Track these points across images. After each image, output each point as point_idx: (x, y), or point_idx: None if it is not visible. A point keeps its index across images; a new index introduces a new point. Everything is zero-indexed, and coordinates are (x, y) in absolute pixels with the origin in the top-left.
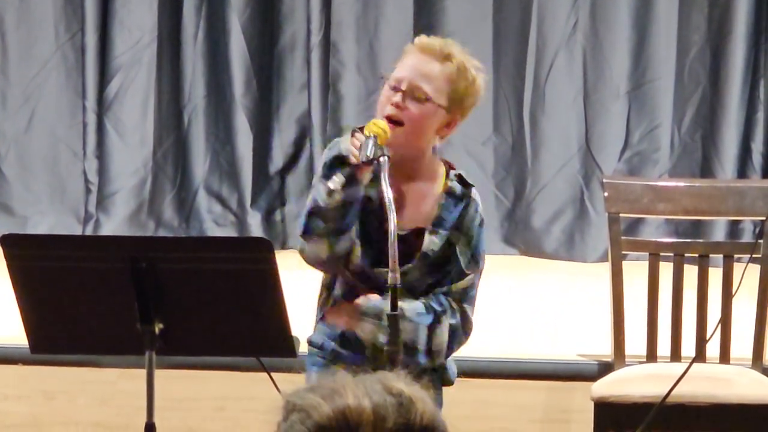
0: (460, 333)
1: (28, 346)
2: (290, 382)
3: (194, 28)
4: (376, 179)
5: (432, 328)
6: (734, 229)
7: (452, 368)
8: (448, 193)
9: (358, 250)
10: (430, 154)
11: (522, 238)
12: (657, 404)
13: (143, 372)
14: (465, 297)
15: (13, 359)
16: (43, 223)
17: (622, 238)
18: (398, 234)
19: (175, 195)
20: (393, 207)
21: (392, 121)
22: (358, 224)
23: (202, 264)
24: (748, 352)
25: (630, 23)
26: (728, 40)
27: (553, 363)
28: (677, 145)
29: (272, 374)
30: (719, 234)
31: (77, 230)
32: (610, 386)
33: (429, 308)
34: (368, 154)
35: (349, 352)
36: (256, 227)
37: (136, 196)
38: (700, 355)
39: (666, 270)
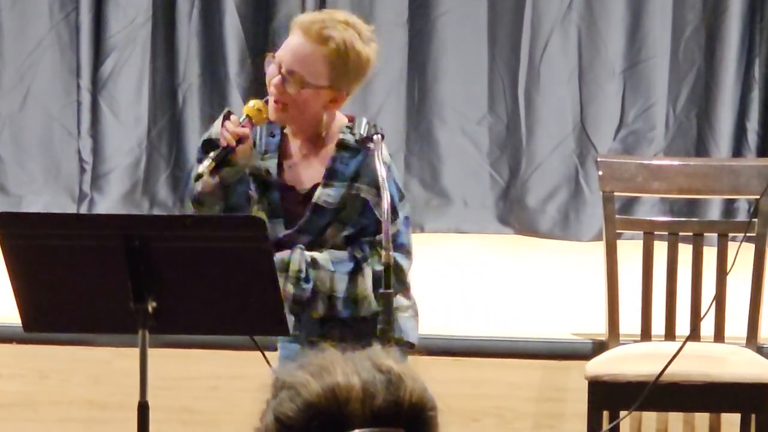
0: (387, 277)
1: (20, 325)
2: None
3: (189, 7)
4: (268, 153)
5: (352, 276)
6: (729, 207)
7: (407, 327)
8: (340, 145)
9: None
10: (326, 118)
11: (517, 217)
12: (651, 383)
13: (137, 351)
14: (393, 245)
15: (7, 338)
16: (37, 203)
17: (617, 217)
18: (300, 191)
19: (169, 174)
20: (386, 185)
21: (278, 102)
22: (264, 198)
23: (196, 242)
24: (742, 331)
25: (625, 2)
26: (723, 18)
27: (548, 342)
28: (672, 124)
29: (265, 353)
30: (714, 213)
31: (72, 209)
32: (604, 365)
33: (351, 256)
34: (362, 132)
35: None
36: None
37: (131, 176)
38: (694, 334)
39: (660, 249)
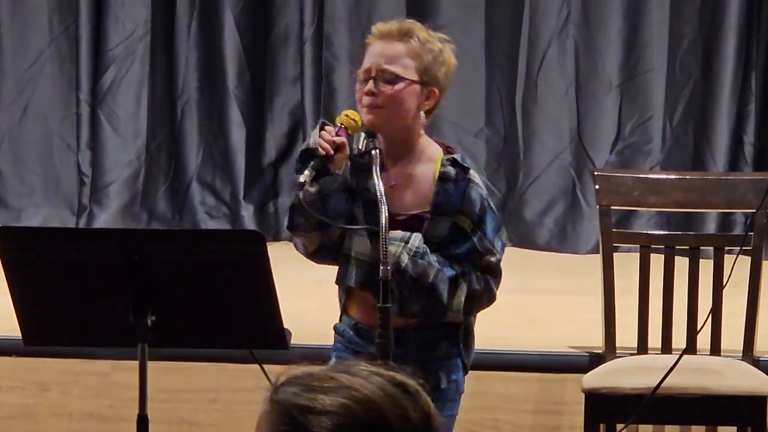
0: (479, 299)
1: (20, 338)
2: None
3: (188, 21)
4: (368, 170)
5: (452, 283)
6: (725, 221)
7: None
8: (442, 178)
9: (366, 243)
10: (420, 135)
11: (514, 230)
12: (648, 396)
13: (136, 364)
14: (489, 270)
15: (7, 350)
16: (36, 216)
17: (614, 230)
18: (399, 218)
19: (168, 187)
20: (384, 200)
21: (371, 107)
22: (364, 216)
23: (195, 257)
24: (738, 344)
25: (622, 15)
26: (720, 32)
27: (545, 355)
28: (669, 137)
29: (264, 366)
30: (710, 226)
31: (71, 222)
32: (601, 378)
33: (452, 267)
34: (359, 147)
35: (362, 340)
36: (249, 219)
37: (130, 188)
38: (690, 347)
39: (657, 262)
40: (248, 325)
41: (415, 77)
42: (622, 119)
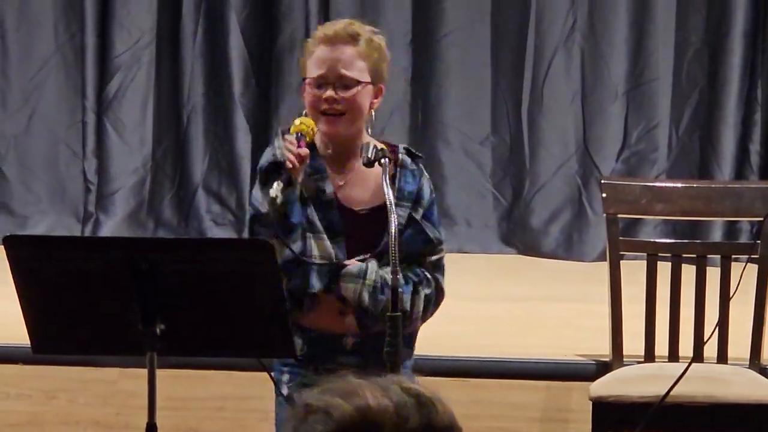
0: (433, 302)
1: (28, 346)
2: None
3: (193, 28)
4: (318, 173)
5: (412, 297)
6: (731, 229)
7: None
8: (401, 166)
9: (326, 245)
10: (365, 132)
11: (520, 238)
12: (655, 404)
13: (143, 371)
14: (437, 267)
15: (14, 358)
16: (42, 223)
17: (620, 238)
18: (361, 212)
19: (174, 194)
20: (394, 208)
21: (331, 114)
22: (316, 219)
23: (203, 265)
24: (745, 353)
25: (628, 24)
26: (726, 40)
27: (552, 363)
28: (675, 145)
29: (272, 374)
30: (716, 234)
31: (77, 230)
32: (608, 386)
33: (407, 279)
34: (369, 156)
35: (326, 353)
36: None
37: (136, 196)
38: (698, 356)
39: (663, 270)
40: (257, 333)
41: (368, 78)
42: (628, 127)
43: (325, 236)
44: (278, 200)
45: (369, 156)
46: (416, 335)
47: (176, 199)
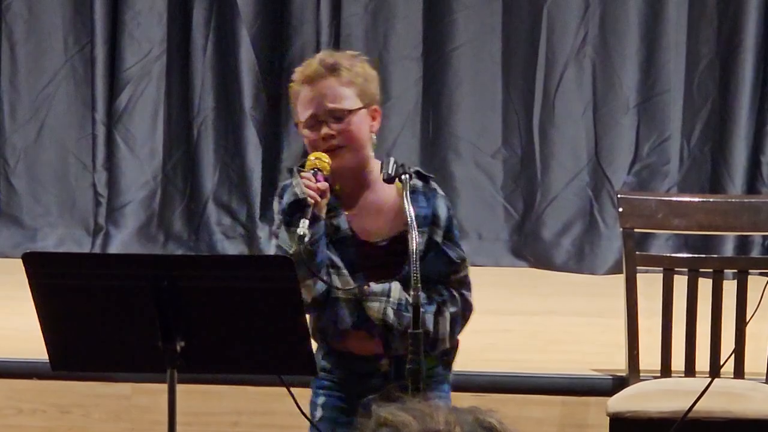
0: (461, 319)
1: (42, 361)
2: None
3: (203, 41)
4: (331, 210)
5: (436, 318)
6: (744, 242)
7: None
8: (413, 191)
9: (348, 280)
10: (373, 158)
11: (531, 250)
12: (674, 420)
13: (157, 387)
14: (462, 284)
15: (28, 373)
16: (52, 236)
17: (637, 253)
18: (380, 245)
19: (184, 207)
20: (414, 225)
21: (332, 150)
22: (335, 255)
23: (223, 282)
24: (762, 367)
25: (639, 36)
26: (737, 52)
27: (567, 378)
28: (686, 158)
29: (291, 390)
30: (728, 247)
31: (87, 242)
32: (626, 402)
33: (431, 299)
34: (390, 172)
35: (355, 373)
36: (265, 240)
37: (146, 209)
38: (716, 372)
39: (679, 284)
40: (277, 350)
41: (359, 104)
42: (640, 140)
43: (346, 272)
44: (306, 238)
45: (390, 172)
46: (454, 356)
47: (186, 212)
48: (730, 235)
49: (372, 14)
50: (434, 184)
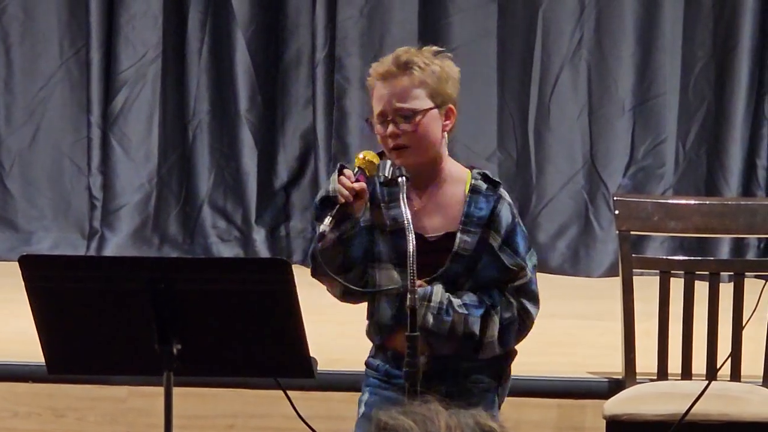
0: (517, 326)
1: (37, 364)
2: (307, 399)
3: (199, 44)
4: (394, 201)
5: (484, 321)
6: (739, 244)
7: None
8: (473, 190)
9: (392, 274)
10: (446, 156)
11: None
12: (670, 423)
13: (153, 390)
14: (521, 292)
15: (23, 376)
16: (47, 239)
17: (633, 256)
18: (430, 239)
19: (179, 210)
20: (411, 228)
21: (399, 148)
22: (389, 249)
23: (221, 285)
24: (758, 370)
25: (635, 39)
26: (733, 55)
27: (564, 381)
28: (682, 160)
29: (288, 393)
30: (724, 250)
31: (82, 246)
32: (622, 404)
33: (481, 301)
34: (386, 175)
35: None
36: (260, 243)
37: (141, 212)
38: (713, 375)
39: (675, 287)
40: (275, 353)
41: (430, 104)
42: (635, 143)
43: (390, 266)
44: (328, 235)
45: (386, 174)
46: (507, 365)
47: (182, 215)
48: (726, 238)
49: (367, 17)
50: (502, 191)
